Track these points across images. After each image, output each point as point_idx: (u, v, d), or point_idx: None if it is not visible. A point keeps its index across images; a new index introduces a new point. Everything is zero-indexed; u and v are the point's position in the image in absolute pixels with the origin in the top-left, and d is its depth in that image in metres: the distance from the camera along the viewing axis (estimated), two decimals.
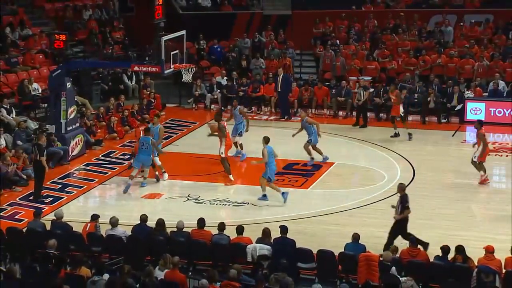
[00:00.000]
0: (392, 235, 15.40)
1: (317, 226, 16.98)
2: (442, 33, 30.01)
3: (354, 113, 26.08)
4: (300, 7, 31.71)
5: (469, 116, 25.58)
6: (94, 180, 20.68)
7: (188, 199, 19.13)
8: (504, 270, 13.44)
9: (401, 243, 14.67)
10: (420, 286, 13.33)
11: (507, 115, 25.35)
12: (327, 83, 28.02)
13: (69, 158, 21.86)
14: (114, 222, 15.12)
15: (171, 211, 18.07)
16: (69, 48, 26.07)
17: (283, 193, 18.65)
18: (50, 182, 20.12)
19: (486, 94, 26.37)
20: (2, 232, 15.30)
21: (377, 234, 16.21)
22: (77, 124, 22.59)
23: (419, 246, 14.37)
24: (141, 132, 20.75)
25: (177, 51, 20.87)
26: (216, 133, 20.33)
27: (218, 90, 28.09)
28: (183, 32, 21.32)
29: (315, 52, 30.39)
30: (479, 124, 20.19)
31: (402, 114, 23.64)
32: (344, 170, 21.26)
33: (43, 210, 17.35)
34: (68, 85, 21.91)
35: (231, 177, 20.12)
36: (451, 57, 27.81)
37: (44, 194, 19.29)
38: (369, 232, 16.18)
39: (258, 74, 28.66)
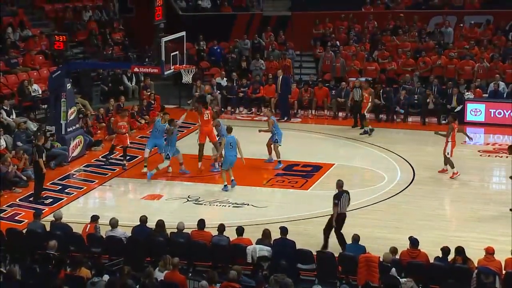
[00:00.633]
0: (335, 233, 15.64)
1: (317, 227, 16.95)
2: (442, 34, 30.02)
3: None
4: (300, 8, 31.73)
5: (469, 117, 25.60)
6: (94, 181, 20.68)
7: (188, 200, 19.13)
8: (504, 271, 13.44)
9: (401, 243, 14.64)
10: (420, 287, 13.33)
11: (507, 116, 25.36)
12: (326, 84, 28.04)
13: (69, 159, 21.86)
14: (114, 223, 15.12)
15: (171, 212, 18.07)
16: (69, 49, 26.13)
17: (225, 186, 19.37)
18: (50, 183, 20.12)
19: (486, 95, 26.38)
20: (2, 233, 15.29)
21: (377, 235, 16.23)
22: (77, 125, 22.60)
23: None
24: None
25: (177, 52, 20.87)
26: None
27: (218, 91, 28.11)
28: (183, 33, 21.33)
29: (315, 53, 30.39)
30: (452, 117, 20.90)
31: (366, 114, 24.49)
32: (343, 171, 21.24)
33: (43, 211, 17.33)
34: (68, 86, 21.89)
35: (199, 164, 20.73)
36: (451, 58, 27.83)
37: (44, 195, 19.29)
38: (369, 233, 16.19)
39: (258, 75, 28.67)
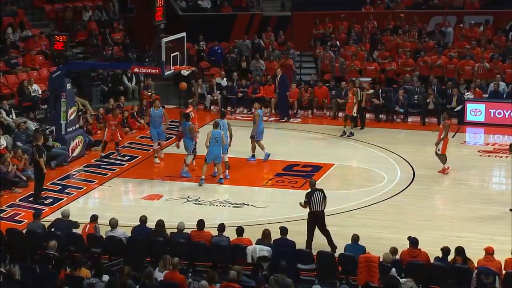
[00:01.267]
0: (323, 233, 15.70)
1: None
2: (442, 34, 30.02)
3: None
4: (300, 8, 31.73)
5: (469, 117, 25.59)
6: (94, 181, 20.68)
7: (188, 200, 19.12)
8: (504, 272, 13.43)
9: (401, 243, 14.63)
10: (420, 287, 13.33)
11: (507, 116, 25.35)
12: (326, 84, 28.04)
13: (68, 159, 21.86)
14: (113, 223, 15.11)
15: (171, 212, 18.06)
16: (69, 49, 26.12)
17: (202, 179, 19.73)
18: (50, 183, 20.11)
19: (486, 95, 26.37)
20: (2, 233, 15.28)
21: (377, 236, 16.22)
22: (77, 125, 22.60)
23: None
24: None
25: (177, 52, 20.87)
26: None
27: (218, 91, 28.10)
28: (183, 34, 21.32)
29: (315, 53, 30.39)
30: (447, 114, 21.19)
31: (355, 114, 24.05)
32: (343, 171, 21.25)
33: (42, 211, 17.32)
34: (68, 86, 21.89)
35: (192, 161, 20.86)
36: (451, 58, 27.83)
37: (44, 195, 19.29)
38: (369, 233, 16.17)
39: (258, 75, 28.67)
